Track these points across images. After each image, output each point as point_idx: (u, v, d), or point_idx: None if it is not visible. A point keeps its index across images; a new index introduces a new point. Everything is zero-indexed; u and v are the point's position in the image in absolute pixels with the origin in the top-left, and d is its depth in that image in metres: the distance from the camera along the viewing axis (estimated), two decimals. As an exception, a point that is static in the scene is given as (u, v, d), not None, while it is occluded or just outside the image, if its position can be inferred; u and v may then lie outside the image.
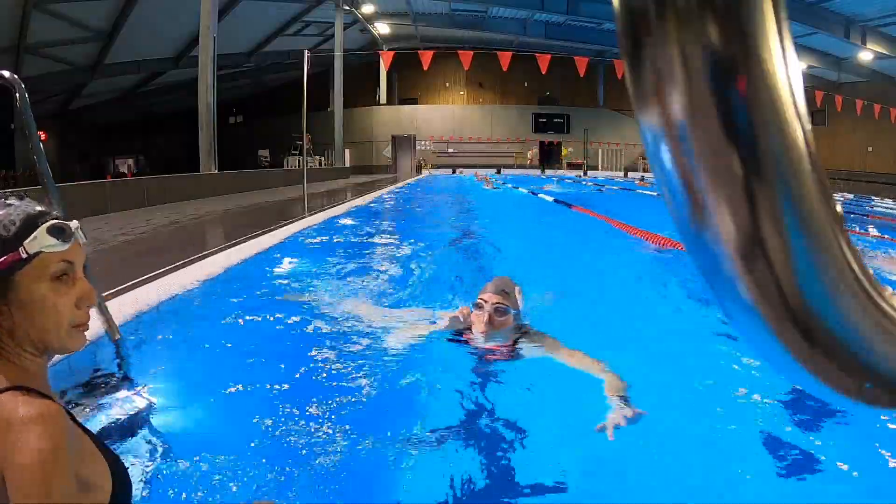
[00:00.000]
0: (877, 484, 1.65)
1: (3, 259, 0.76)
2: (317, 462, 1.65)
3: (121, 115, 26.37)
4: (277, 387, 2.12)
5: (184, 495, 1.48)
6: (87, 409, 1.84)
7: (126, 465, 0.92)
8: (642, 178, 20.80)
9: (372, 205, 9.91)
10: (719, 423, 1.94)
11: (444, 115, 29.06)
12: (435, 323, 2.60)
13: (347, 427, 1.82)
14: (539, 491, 1.59)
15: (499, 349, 2.25)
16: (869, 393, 0.27)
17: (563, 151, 29.02)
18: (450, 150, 28.49)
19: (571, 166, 27.86)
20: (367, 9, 21.82)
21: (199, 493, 1.49)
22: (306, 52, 8.23)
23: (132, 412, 1.88)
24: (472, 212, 9.08)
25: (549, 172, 25.35)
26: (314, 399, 2.00)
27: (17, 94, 1.91)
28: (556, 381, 2.13)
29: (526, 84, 28.58)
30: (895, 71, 21.88)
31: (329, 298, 3.26)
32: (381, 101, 27.49)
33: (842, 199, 12.37)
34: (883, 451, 1.76)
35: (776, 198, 0.23)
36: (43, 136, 8.49)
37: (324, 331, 2.71)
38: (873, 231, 7.21)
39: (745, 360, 2.31)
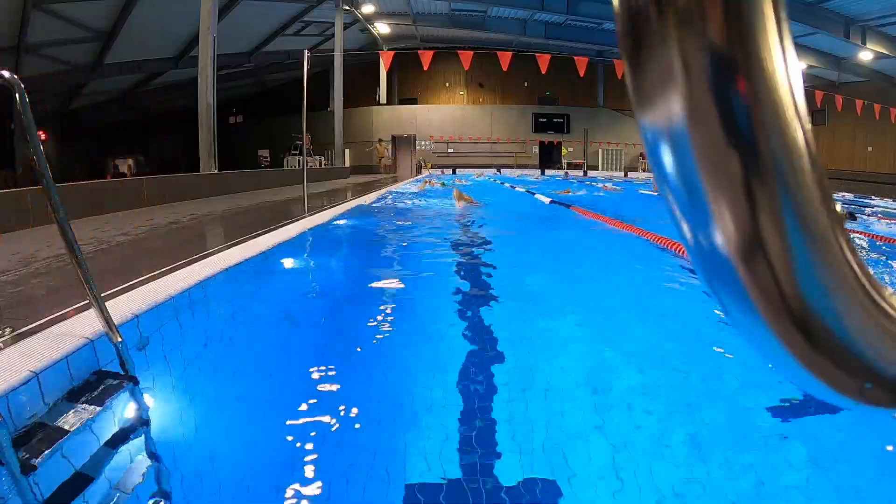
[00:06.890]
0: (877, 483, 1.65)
1: None
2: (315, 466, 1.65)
3: (121, 115, 26.32)
4: (279, 386, 2.11)
5: (185, 496, 1.48)
6: (89, 411, 1.84)
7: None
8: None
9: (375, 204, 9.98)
10: (717, 423, 1.94)
11: (444, 115, 29.03)
12: None
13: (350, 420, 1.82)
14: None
15: None
16: (869, 393, 0.27)
17: (563, 151, 29.00)
18: (450, 151, 28.48)
19: (571, 166, 27.84)
20: (367, 9, 21.80)
21: (201, 494, 1.48)
22: (306, 52, 8.20)
23: (134, 413, 1.88)
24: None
25: (549, 172, 25.32)
26: (314, 401, 2.00)
27: (17, 94, 1.90)
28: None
29: (526, 84, 28.57)
30: (895, 71, 21.88)
31: (327, 296, 3.25)
32: (381, 101, 27.45)
33: (842, 199, 12.39)
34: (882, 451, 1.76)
35: (776, 198, 0.23)
36: (43, 136, 8.49)
37: (325, 330, 2.71)
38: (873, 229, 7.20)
39: (743, 358, 2.31)
